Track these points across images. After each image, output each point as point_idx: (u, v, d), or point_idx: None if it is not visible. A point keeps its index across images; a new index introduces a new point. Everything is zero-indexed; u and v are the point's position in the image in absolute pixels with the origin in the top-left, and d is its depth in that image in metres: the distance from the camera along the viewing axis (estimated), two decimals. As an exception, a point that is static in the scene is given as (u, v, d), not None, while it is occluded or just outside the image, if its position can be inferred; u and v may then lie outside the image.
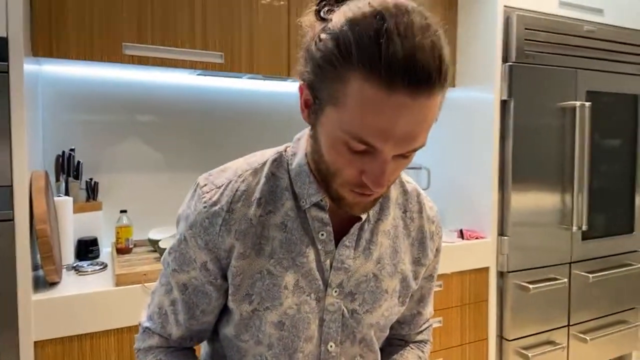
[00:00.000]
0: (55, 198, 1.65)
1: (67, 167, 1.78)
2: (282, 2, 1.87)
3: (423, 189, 2.54)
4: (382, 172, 0.58)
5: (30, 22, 1.49)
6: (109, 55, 1.60)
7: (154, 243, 1.82)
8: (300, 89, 0.64)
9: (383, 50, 0.51)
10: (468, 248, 2.10)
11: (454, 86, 2.29)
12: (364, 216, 0.72)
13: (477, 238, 2.15)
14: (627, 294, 2.57)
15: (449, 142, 2.37)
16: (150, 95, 1.99)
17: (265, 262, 0.70)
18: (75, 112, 1.86)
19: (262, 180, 0.72)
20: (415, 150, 0.59)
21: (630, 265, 2.54)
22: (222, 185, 0.72)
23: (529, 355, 2.20)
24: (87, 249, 1.77)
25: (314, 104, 0.61)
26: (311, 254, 0.71)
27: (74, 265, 1.65)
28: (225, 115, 2.13)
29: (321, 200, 0.70)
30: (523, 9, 2.16)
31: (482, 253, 2.15)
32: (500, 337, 2.23)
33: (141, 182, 2.00)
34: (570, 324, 2.37)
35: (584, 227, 2.31)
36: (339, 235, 0.73)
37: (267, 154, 0.76)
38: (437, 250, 0.85)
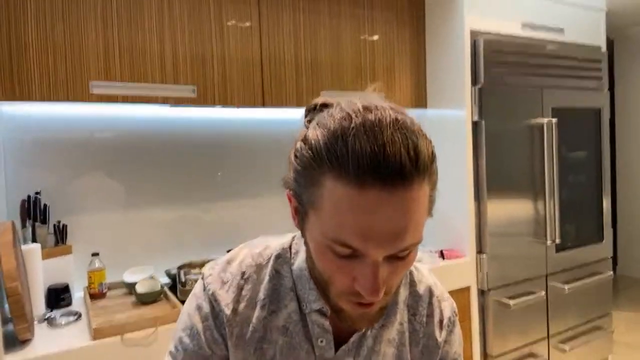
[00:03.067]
0: (23, 247, 1.56)
1: (33, 211, 1.69)
2: (247, 24, 1.85)
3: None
4: (374, 278, 0.54)
5: (-11, 64, 1.42)
6: (75, 95, 1.54)
7: (129, 286, 1.74)
8: (288, 196, 0.62)
9: (350, 148, 0.50)
10: (449, 269, 2.12)
11: (425, 107, 2.32)
12: None
13: (457, 257, 2.17)
14: (600, 301, 2.65)
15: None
16: (117, 129, 1.91)
17: None
18: (39, 152, 1.77)
19: (266, 278, 0.69)
20: (407, 249, 0.55)
21: (602, 272, 2.62)
22: (227, 282, 0.69)
23: (513, 370, 2.23)
24: (58, 296, 1.67)
25: (300, 211, 0.59)
26: None
27: (46, 317, 1.56)
28: (198, 146, 2.08)
29: (322, 307, 0.66)
30: (488, 32, 2.21)
31: (463, 272, 2.17)
32: (485, 354, 2.25)
33: (112, 221, 1.92)
34: (550, 335, 2.41)
35: (557, 240, 2.36)
36: (343, 340, 0.69)
37: (271, 247, 0.73)
38: None
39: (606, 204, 2.67)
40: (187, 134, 2.05)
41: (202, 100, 1.75)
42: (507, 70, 2.22)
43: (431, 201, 0.57)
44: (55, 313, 1.59)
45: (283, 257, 0.71)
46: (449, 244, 2.26)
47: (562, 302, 2.45)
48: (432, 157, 0.55)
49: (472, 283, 2.19)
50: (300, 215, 0.60)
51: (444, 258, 2.16)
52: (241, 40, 1.83)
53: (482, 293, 2.22)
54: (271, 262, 0.70)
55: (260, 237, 0.76)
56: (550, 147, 2.34)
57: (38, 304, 1.58)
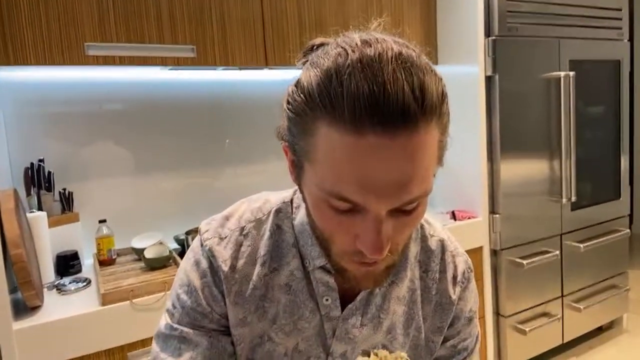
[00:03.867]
0: (28, 214, 1.55)
1: (37, 179, 1.67)
2: (252, -13, 1.76)
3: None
4: (377, 234, 0.48)
5: (-20, 27, 1.36)
6: (71, 58, 1.48)
7: (138, 252, 1.73)
8: (284, 149, 0.57)
9: (345, 88, 0.44)
10: (461, 229, 2.07)
11: (436, 63, 2.23)
12: None
13: (469, 218, 2.13)
14: (616, 259, 2.60)
15: (435, 121, 2.32)
16: (120, 93, 1.87)
17: (268, 326, 0.65)
18: (41, 119, 1.74)
19: (267, 234, 0.65)
20: (413, 201, 0.49)
21: (618, 230, 2.57)
22: (225, 237, 0.65)
23: (526, 329, 2.21)
24: (67, 264, 1.67)
25: (296, 163, 0.54)
26: (314, 320, 0.65)
27: (56, 283, 1.56)
28: (203, 109, 2.02)
29: (326, 263, 0.62)
30: (503, -21, 2.09)
31: (475, 233, 2.12)
32: (497, 314, 2.24)
33: (118, 187, 1.89)
34: (564, 294, 2.39)
35: (573, 198, 2.30)
36: (349, 298, 0.65)
37: (272, 201, 0.68)
38: (469, 319, 0.73)
39: (624, 160, 2.59)
40: (194, 100, 1.99)
41: (202, 60, 1.68)
42: (523, 20, 2.11)
43: (441, 147, 0.50)
44: (65, 280, 1.60)
45: (284, 212, 0.67)
46: (460, 204, 2.22)
47: (577, 261, 2.40)
48: (442, 97, 0.48)
49: (485, 243, 2.16)
50: (297, 169, 0.54)
51: (455, 219, 2.12)
52: (241, -4, 1.74)
53: (494, 253, 2.19)
54: (271, 216, 0.66)
55: (261, 193, 0.72)
56: (567, 102, 2.25)
57: (47, 272, 1.58)
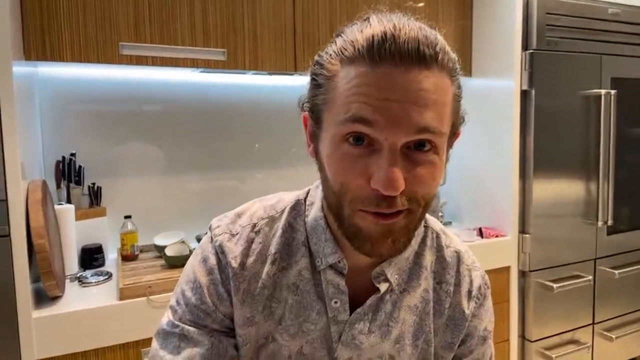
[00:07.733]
0: (56, 206, 1.59)
1: (67, 172, 1.72)
2: (287, -7, 1.77)
3: (439, 185, 2.44)
4: (391, 166, 0.49)
5: (22, 23, 1.42)
6: (106, 57, 1.52)
7: (160, 249, 1.75)
8: (304, 119, 0.59)
9: (365, 34, 0.50)
10: (487, 247, 2.01)
11: (470, 76, 2.18)
12: (382, 288, 0.62)
13: (496, 236, 2.06)
14: (654, 289, 2.46)
15: (466, 135, 2.24)
16: (152, 93, 1.91)
17: (273, 327, 0.63)
18: (76, 114, 1.79)
19: (279, 232, 0.65)
20: (429, 131, 0.50)
21: (658, 259, 2.43)
22: (236, 234, 0.65)
23: (552, 356, 2.11)
24: (91, 257, 1.71)
25: (315, 127, 0.57)
26: (321, 322, 0.63)
27: (78, 275, 1.60)
28: (232, 112, 2.04)
29: (339, 261, 0.61)
30: (543, -8, 2.02)
31: (503, 252, 2.05)
32: (523, 338, 2.14)
33: (146, 184, 1.93)
34: (595, 322, 2.27)
35: (610, 222, 2.19)
36: (359, 303, 0.63)
37: (285, 199, 0.68)
38: (483, 338, 0.70)
39: (668, 185, 2.45)
40: (226, 104, 2.01)
41: (232, 64, 1.70)
42: (562, 34, 2.03)
43: (457, 101, 0.54)
44: (87, 272, 1.63)
45: (297, 210, 0.66)
46: (488, 222, 2.14)
47: (610, 287, 2.29)
48: (456, 66, 0.54)
49: (513, 263, 2.08)
50: (315, 135, 0.57)
51: (482, 236, 2.05)
52: (273, 1, 1.75)
53: (522, 274, 2.10)
54: (285, 214, 0.66)
55: (276, 193, 0.72)
56: (607, 122, 2.15)
57: (71, 263, 1.62)
